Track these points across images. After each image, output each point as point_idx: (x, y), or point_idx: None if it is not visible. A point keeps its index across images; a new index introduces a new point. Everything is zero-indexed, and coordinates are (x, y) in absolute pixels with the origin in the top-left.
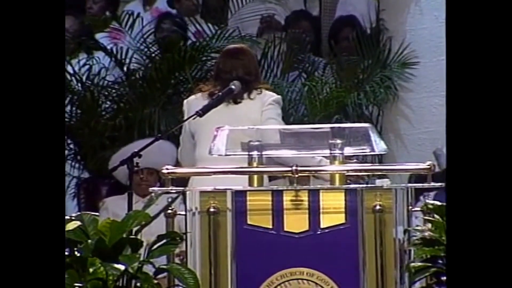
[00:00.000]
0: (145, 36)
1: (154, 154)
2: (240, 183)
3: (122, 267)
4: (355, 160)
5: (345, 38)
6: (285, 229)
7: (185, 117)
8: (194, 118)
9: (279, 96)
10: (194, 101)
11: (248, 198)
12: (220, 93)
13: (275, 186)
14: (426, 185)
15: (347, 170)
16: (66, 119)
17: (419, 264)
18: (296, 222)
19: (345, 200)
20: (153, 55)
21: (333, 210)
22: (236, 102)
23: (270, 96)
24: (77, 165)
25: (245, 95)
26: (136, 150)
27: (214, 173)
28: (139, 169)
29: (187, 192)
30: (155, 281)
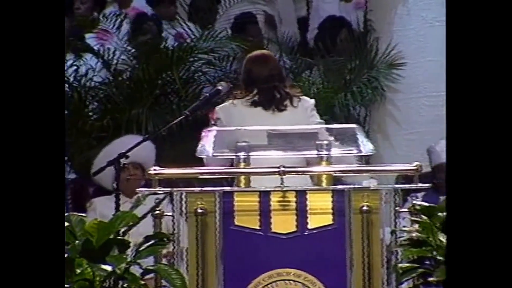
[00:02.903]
0: (131, 37)
1: (136, 149)
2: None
3: (109, 268)
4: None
5: (333, 39)
6: (273, 230)
7: (224, 123)
8: (182, 119)
9: (313, 100)
10: (232, 109)
11: (235, 199)
12: (208, 94)
13: (263, 187)
14: (413, 186)
15: (335, 171)
16: None
17: (406, 265)
18: (283, 223)
19: (333, 201)
20: (140, 56)
21: (320, 211)
22: (280, 110)
23: (309, 102)
24: None
25: (287, 103)
26: (123, 151)
27: (201, 173)
28: (124, 166)
29: (174, 193)
30: (142, 282)
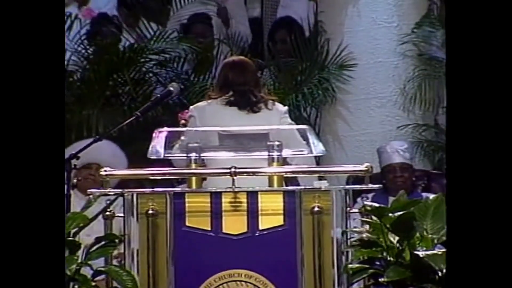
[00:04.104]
0: (82, 38)
1: (106, 154)
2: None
3: None
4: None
5: (281, 40)
6: (224, 230)
7: (197, 122)
8: (133, 120)
9: (287, 107)
10: (207, 107)
11: (186, 200)
12: (159, 95)
13: (214, 188)
14: (364, 186)
15: (285, 172)
16: None
17: (357, 265)
18: (234, 224)
19: (284, 202)
20: (91, 56)
21: (271, 212)
22: (255, 112)
23: (283, 107)
24: None
25: (262, 105)
26: (73, 152)
27: (152, 174)
28: (89, 164)
29: (125, 194)
30: (93, 283)
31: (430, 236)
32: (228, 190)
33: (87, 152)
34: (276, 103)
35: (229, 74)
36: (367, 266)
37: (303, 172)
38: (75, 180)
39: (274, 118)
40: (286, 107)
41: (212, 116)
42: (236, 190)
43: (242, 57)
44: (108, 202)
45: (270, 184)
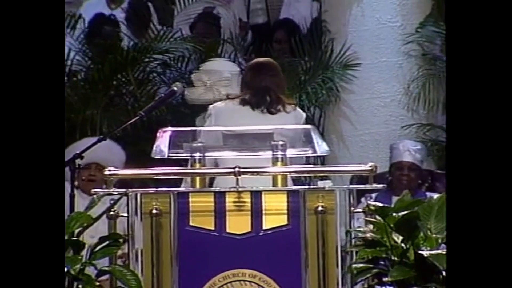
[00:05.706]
0: (84, 38)
1: (103, 151)
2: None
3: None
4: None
5: (279, 40)
6: (227, 230)
7: (213, 122)
8: (137, 119)
9: (305, 114)
10: (223, 106)
11: (190, 199)
12: (163, 94)
13: (218, 188)
14: (368, 186)
15: (290, 172)
16: None
17: (361, 265)
18: (238, 224)
19: (288, 201)
20: (95, 56)
21: (275, 211)
22: (271, 113)
23: (303, 114)
24: None
25: (280, 108)
26: (78, 152)
27: (156, 174)
28: (88, 164)
29: (129, 194)
30: (97, 283)
31: (434, 235)
32: (232, 189)
33: (85, 152)
34: (297, 108)
35: (249, 76)
36: (371, 265)
37: (307, 172)
38: (76, 183)
39: (290, 122)
40: (304, 114)
41: (228, 115)
42: (240, 189)
43: (262, 59)
44: (112, 201)
45: (274, 183)
